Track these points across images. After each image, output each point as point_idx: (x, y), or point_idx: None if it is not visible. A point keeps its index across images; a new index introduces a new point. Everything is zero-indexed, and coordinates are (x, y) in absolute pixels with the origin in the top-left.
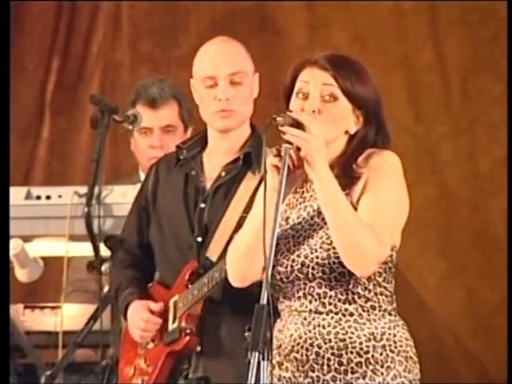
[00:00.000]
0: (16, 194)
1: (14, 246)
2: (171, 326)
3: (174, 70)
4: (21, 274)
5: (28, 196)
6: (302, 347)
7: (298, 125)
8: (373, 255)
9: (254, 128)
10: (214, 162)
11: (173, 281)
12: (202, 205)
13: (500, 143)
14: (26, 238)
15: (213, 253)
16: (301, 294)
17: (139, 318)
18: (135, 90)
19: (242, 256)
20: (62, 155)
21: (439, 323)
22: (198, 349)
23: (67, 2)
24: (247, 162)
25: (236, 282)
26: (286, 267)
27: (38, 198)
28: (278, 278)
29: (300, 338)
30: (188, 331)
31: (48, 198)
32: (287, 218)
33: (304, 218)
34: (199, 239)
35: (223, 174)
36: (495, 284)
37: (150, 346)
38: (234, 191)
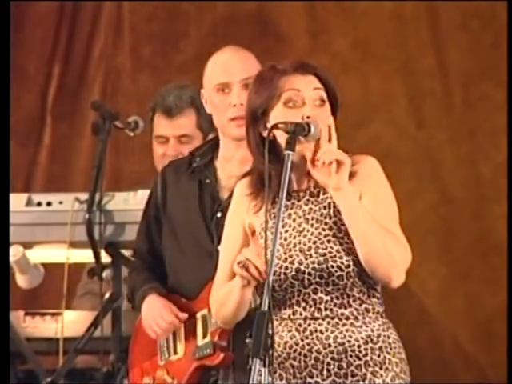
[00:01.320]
0: (17, 201)
1: (15, 252)
2: (201, 341)
3: (175, 75)
4: (21, 281)
5: (29, 202)
6: (299, 354)
7: (298, 131)
8: (404, 262)
9: None
10: (229, 171)
11: (192, 289)
12: (219, 214)
13: (501, 149)
14: (27, 245)
15: None
16: (294, 301)
17: (160, 315)
18: (155, 96)
19: (232, 313)
20: (63, 161)
21: (440, 329)
22: None
23: (68, 7)
24: None
25: (223, 325)
26: (279, 275)
27: (39, 204)
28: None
29: (296, 344)
30: (223, 347)
31: (49, 204)
32: (271, 228)
33: (291, 226)
34: (219, 248)
35: None
36: (496, 290)
37: (173, 357)
38: None
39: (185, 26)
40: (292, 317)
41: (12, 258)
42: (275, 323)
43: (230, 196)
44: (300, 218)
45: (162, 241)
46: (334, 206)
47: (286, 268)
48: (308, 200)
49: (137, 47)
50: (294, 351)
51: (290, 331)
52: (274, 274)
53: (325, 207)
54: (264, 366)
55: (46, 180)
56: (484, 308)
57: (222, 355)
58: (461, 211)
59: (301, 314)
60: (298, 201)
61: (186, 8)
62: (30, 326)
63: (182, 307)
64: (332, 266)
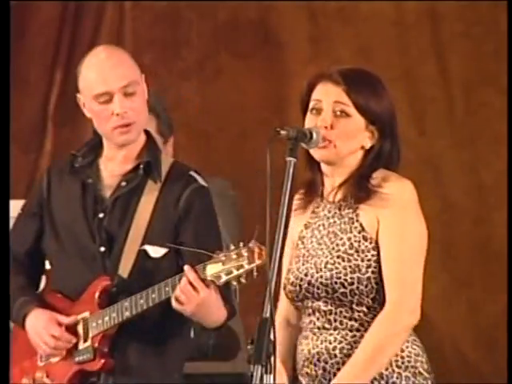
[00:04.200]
0: (19, 207)
1: None
2: (82, 345)
3: (176, 82)
4: None
5: None
6: (310, 362)
7: (300, 138)
8: (406, 333)
9: (148, 134)
10: (111, 170)
11: (75, 291)
12: (101, 214)
13: (502, 156)
14: None
15: (124, 269)
16: (310, 311)
17: (48, 333)
18: None
19: None
20: None
21: (441, 335)
22: None
23: (70, 14)
24: (147, 170)
25: None
26: (295, 286)
27: None
28: (290, 296)
29: (309, 353)
30: (103, 353)
31: None
32: (303, 238)
33: (315, 237)
34: (102, 249)
35: (123, 183)
36: (497, 296)
37: (53, 360)
38: (135, 202)
39: (186, 33)
40: (309, 326)
41: None
42: (302, 330)
43: (113, 195)
44: (325, 229)
45: (44, 241)
46: (352, 223)
47: (301, 280)
48: (335, 213)
49: (138, 54)
50: (307, 359)
51: (306, 339)
52: (292, 285)
53: (345, 222)
54: (266, 372)
55: None
56: (485, 314)
57: (102, 361)
58: (462, 218)
59: (315, 324)
60: (329, 212)
61: (188, 15)
62: None
63: (64, 308)
64: (336, 283)
